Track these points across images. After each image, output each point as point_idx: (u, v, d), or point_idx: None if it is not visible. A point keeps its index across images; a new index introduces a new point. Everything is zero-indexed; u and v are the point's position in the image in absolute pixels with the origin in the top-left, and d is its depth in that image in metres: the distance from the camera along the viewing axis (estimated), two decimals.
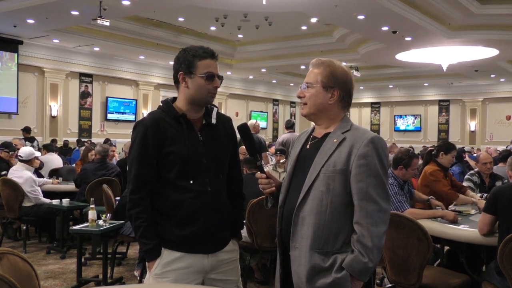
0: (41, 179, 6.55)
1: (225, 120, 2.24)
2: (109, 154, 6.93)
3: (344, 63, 2.02)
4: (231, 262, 2.17)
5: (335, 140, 1.86)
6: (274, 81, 20.76)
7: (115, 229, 4.51)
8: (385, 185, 1.82)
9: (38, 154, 6.53)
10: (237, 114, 19.77)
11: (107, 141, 11.87)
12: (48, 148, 8.71)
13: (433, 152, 4.79)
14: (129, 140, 2.34)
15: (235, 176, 2.27)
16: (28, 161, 6.05)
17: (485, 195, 4.68)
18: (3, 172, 6.33)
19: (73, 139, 13.81)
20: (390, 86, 21.64)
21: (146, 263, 2.09)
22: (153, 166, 2.05)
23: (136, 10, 10.67)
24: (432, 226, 3.44)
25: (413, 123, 22.14)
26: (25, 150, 6.15)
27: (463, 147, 10.71)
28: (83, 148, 8.33)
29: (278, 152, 6.96)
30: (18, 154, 6.10)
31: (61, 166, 8.06)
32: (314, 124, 2.02)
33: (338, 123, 1.92)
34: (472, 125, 20.63)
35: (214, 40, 14.08)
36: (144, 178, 2.05)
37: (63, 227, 5.72)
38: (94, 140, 13.49)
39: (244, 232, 3.29)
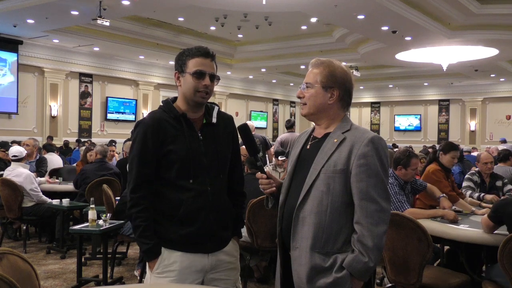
0: (37, 178, 6.54)
1: (226, 119, 2.23)
2: (109, 154, 6.93)
3: (344, 63, 2.02)
4: (231, 262, 2.16)
5: (335, 140, 1.86)
6: (274, 81, 20.76)
7: (115, 229, 4.51)
8: (385, 185, 1.83)
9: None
10: (237, 114, 19.76)
11: (111, 142, 11.80)
12: (48, 148, 8.72)
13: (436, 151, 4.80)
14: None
15: (236, 175, 2.27)
16: (21, 159, 6.05)
17: (482, 194, 4.69)
18: (1, 172, 6.33)
19: (73, 139, 13.82)
20: (390, 86, 21.65)
21: (147, 262, 2.09)
22: (153, 166, 2.05)
23: (136, 10, 10.67)
24: (432, 226, 3.44)
25: (413, 123, 22.13)
26: (16, 149, 6.14)
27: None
28: (83, 148, 8.32)
29: (279, 157, 6.85)
30: (12, 154, 6.07)
31: (61, 166, 8.06)
32: (314, 124, 2.02)
33: (338, 123, 1.92)
34: (472, 124, 20.64)
35: (214, 40, 14.09)
36: (144, 177, 2.05)
37: (63, 227, 5.72)
38: (94, 140, 13.50)
39: (244, 232, 3.28)
